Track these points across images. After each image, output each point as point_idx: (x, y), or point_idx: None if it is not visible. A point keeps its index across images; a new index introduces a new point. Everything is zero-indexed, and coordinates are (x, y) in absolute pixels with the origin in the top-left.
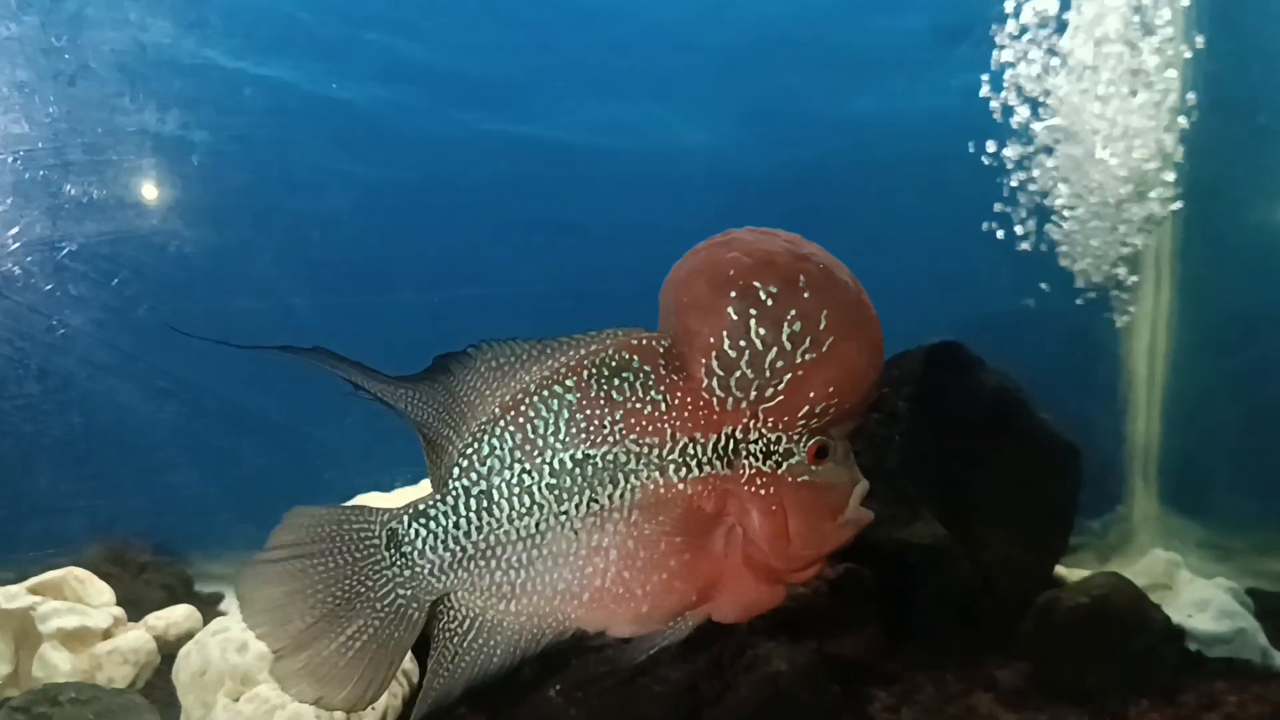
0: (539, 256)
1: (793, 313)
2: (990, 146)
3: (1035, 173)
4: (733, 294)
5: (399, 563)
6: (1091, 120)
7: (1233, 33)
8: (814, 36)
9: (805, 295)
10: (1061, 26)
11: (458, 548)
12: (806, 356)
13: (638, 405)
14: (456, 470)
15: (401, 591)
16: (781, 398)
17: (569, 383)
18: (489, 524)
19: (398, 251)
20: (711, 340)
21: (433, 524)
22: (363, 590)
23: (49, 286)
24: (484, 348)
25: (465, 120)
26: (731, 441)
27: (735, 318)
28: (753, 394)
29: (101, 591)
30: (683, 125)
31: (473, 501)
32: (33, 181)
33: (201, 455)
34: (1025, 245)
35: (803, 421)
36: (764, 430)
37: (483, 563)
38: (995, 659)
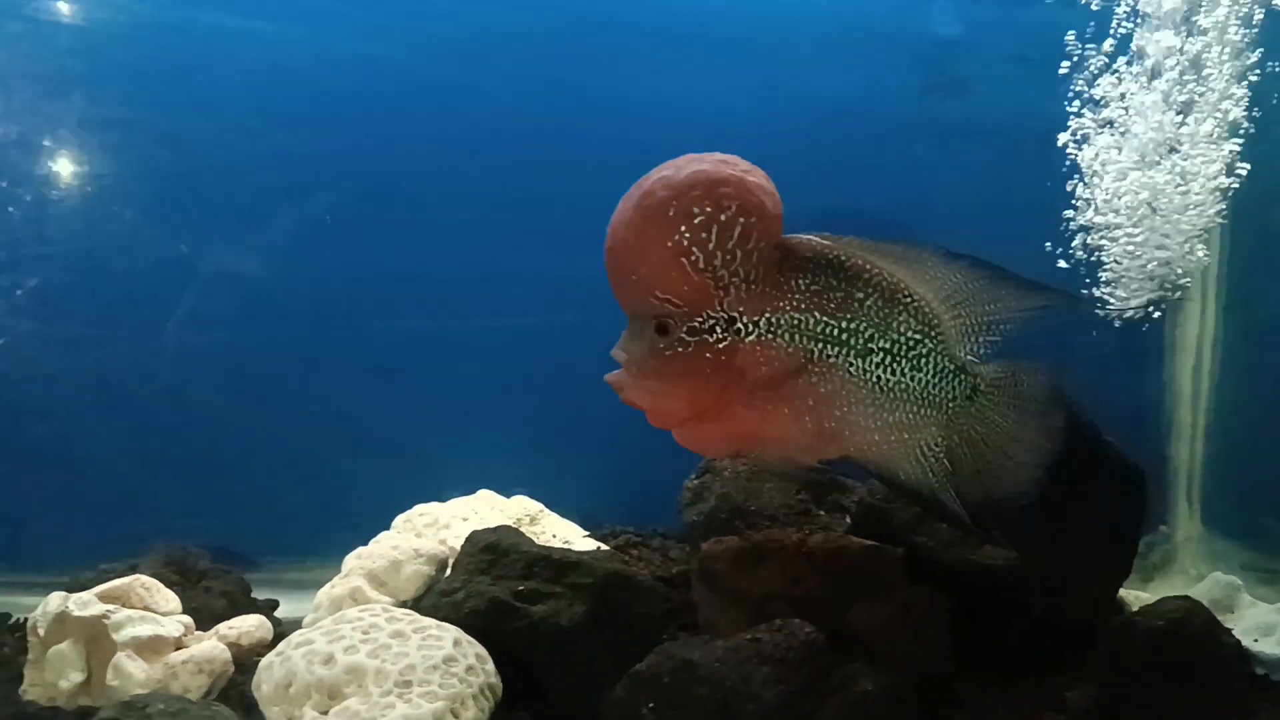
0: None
1: None
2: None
3: (1086, 189)
4: None
5: None
6: (1143, 138)
7: None
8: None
9: None
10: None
11: None
12: None
13: None
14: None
15: None
16: None
17: None
18: None
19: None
20: None
21: None
22: None
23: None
24: None
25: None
26: None
27: None
28: None
29: (169, 599)
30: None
31: None
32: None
33: (254, 461)
34: (1069, 263)
35: None
36: None
37: None
38: (1063, 681)
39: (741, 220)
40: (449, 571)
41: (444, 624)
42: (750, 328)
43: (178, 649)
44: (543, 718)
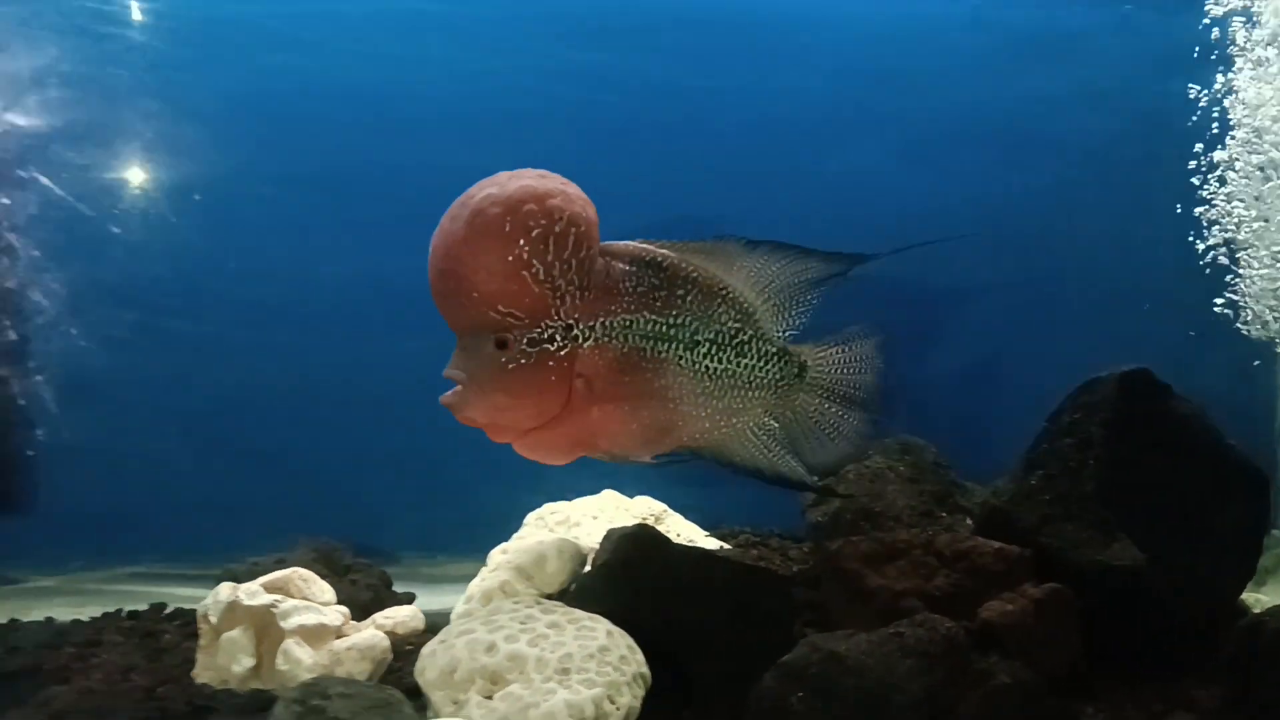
0: None
1: None
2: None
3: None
4: None
5: None
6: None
7: None
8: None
9: None
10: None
11: None
12: None
13: None
14: None
15: None
16: None
17: None
18: None
19: None
20: None
21: None
22: None
23: None
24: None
25: None
26: None
27: None
28: None
29: (324, 590)
30: None
31: None
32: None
33: (394, 464)
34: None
35: None
36: None
37: None
38: (1190, 680)
39: (573, 230)
40: (588, 566)
41: (595, 615)
42: (587, 333)
43: (338, 637)
44: (688, 705)
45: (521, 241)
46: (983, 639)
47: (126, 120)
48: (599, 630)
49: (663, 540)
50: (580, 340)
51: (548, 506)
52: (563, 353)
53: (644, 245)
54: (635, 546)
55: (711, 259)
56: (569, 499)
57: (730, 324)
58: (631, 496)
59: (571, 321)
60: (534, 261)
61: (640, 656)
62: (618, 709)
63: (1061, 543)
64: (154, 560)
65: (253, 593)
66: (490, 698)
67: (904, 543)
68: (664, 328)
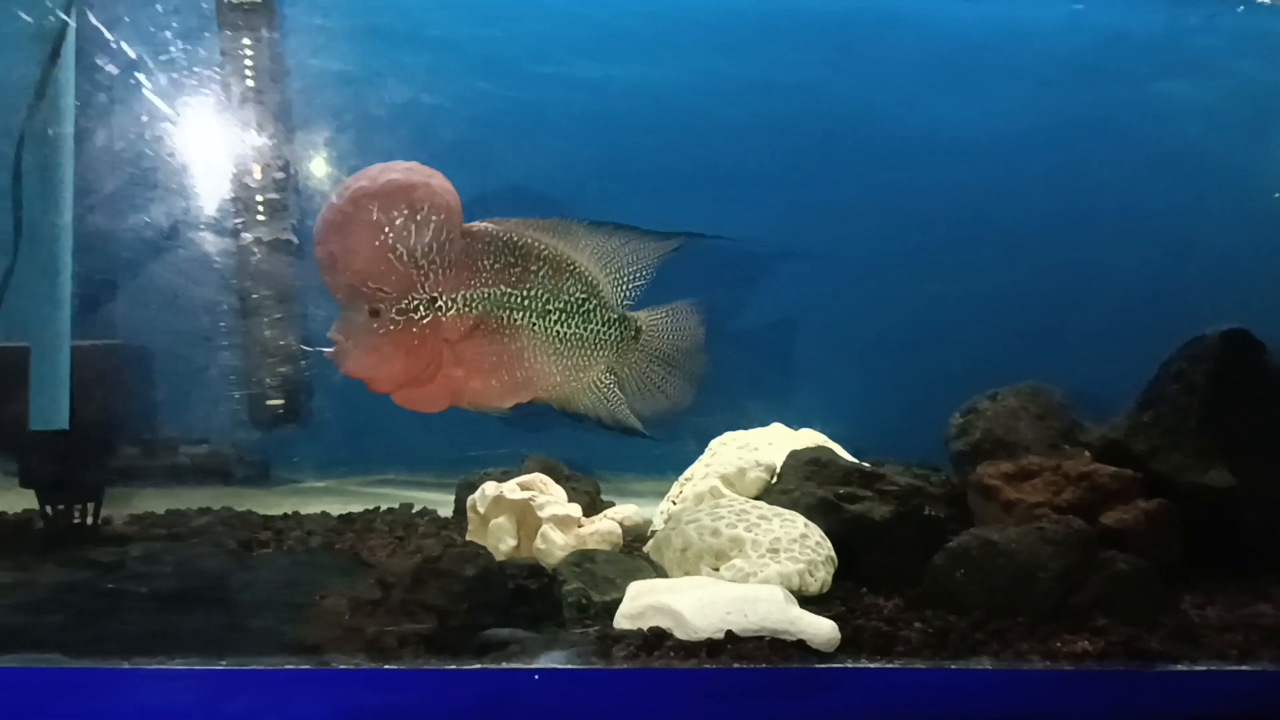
0: None
1: None
2: None
3: None
4: None
5: None
6: None
7: None
8: None
9: None
10: None
11: None
12: None
13: None
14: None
15: None
16: None
17: None
18: None
19: None
20: None
21: None
22: None
23: None
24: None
25: None
26: None
27: None
28: None
29: (560, 492)
30: None
31: None
32: None
33: None
34: None
35: None
36: None
37: None
38: (1271, 579)
39: (434, 217)
40: (776, 479)
41: (793, 511)
42: (449, 304)
43: (579, 526)
44: (865, 584)
45: (387, 228)
46: (1103, 540)
47: None
48: (798, 522)
49: (838, 458)
50: (444, 311)
51: (728, 434)
52: (427, 321)
53: (501, 225)
54: (817, 462)
55: (560, 236)
56: (745, 428)
57: (577, 294)
58: (796, 429)
59: (436, 294)
60: (398, 245)
61: (830, 544)
62: (815, 580)
63: (1168, 468)
64: (400, 469)
65: (512, 489)
66: (716, 569)
67: (1036, 465)
68: (518, 299)
